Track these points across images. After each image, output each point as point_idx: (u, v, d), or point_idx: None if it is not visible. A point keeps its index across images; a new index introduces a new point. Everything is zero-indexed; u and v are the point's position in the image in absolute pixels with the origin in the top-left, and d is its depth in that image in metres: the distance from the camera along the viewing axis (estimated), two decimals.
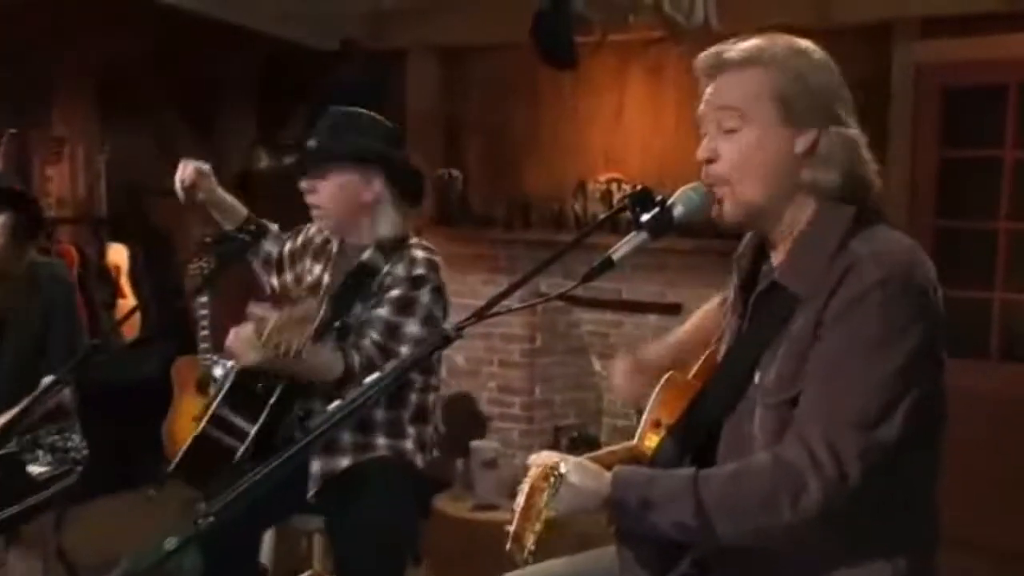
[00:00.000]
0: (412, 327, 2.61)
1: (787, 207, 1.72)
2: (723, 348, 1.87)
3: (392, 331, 2.60)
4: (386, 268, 2.68)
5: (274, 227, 3.02)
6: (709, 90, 1.75)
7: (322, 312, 2.69)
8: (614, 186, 5.35)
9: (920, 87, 4.60)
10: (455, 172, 5.81)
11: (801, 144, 1.69)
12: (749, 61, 1.70)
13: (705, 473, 1.64)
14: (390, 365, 2.49)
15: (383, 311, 2.63)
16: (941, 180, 4.64)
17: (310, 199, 2.73)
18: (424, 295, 2.64)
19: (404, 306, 2.63)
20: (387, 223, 2.71)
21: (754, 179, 1.70)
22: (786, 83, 1.68)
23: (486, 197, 5.83)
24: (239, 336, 2.45)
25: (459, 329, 1.67)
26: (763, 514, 1.60)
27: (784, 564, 1.68)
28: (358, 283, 2.69)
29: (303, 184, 2.72)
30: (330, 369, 2.53)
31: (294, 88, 5.90)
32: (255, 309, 2.36)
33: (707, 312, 2.13)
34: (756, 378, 1.71)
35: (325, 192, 2.71)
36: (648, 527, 1.64)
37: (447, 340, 1.68)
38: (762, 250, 1.82)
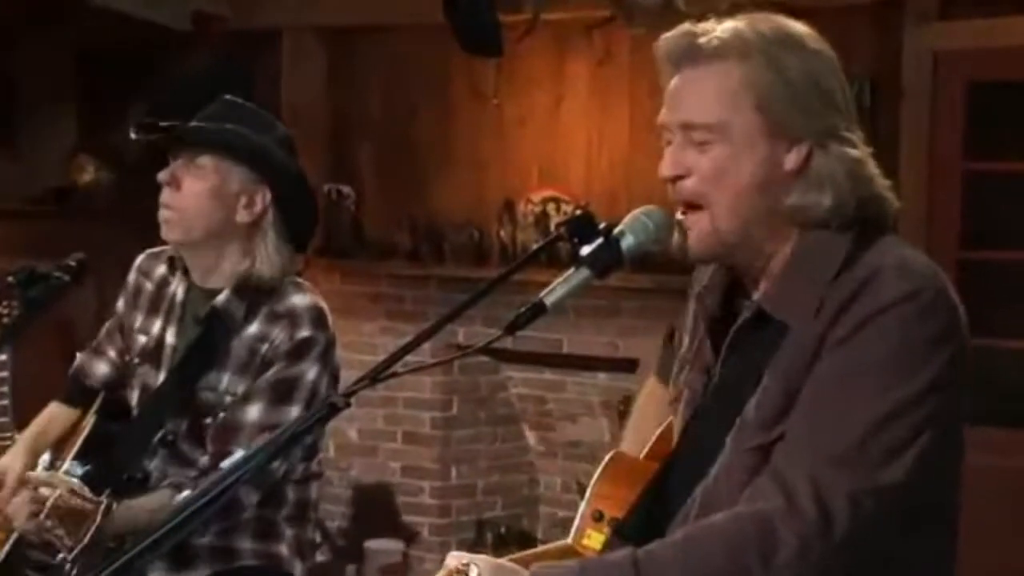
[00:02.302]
0: (293, 416, 2.57)
1: (766, 238, 1.73)
2: (683, 412, 1.86)
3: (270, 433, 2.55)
4: (255, 327, 2.62)
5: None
6: (674, 85, 1.75)
7: (161, 379, 2.66)
8: (551, 207, 5.37)
9: (939, 81, 4.69)
10: (345, 188, 5.79)
11: (791, 160, 1.70)
12: (723, 52, 1.70)
13: (647, 549, 1.63)
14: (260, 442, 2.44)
15: (255, 410, 2.57)
16: (966, 199, 4.71)
17: (167, 197, 2.64)
18: (309, 368, 2.60)
19: (284, 393, 2.58)
20: (266, 258, 2.65)
21: (731, 203, 1.71)
22: (772, 82, 1.69)
23: (385, 221, 5.81)
24: (12, 505, 2.48)
25: (349, 395, 1.65)
26: None
27: None
28: (209, 342, 2.63)
29: (162, 174, 2.64)
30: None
31: (127, 83, 5.83)
32: (33, 475, 2.44)
33: (651, 392, 2.13)
34: (738, 421, 1.71)
35: (191, 192, 2.63)
36: None
37: (334, 410, 1.66)
38: (734, 284, 1.83)
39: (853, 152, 1.71)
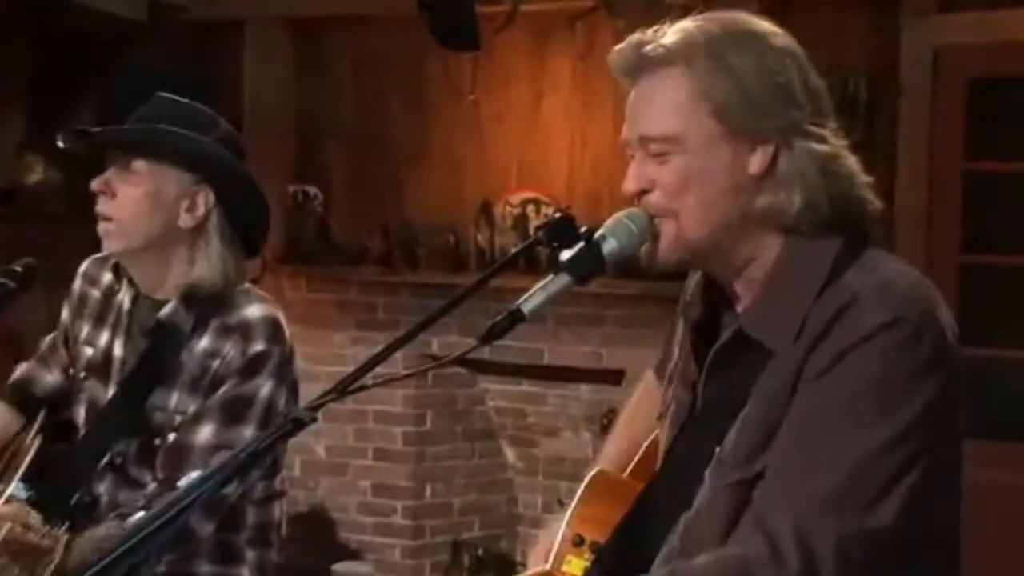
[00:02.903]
0: (247, 435, 2.56)
1: (739, 243, 1.75)
2: (668, 430, 1.87)
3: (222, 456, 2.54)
4: (206, 342, 2.61)
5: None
6: (630, 98, 1.79)
7: (110, 395, 2.64)
8: (531, 210, 5.39)
9: (939, 78, 4.71)
10: (311, 189, 5.78)
11: (756, 163, 1.72)
12: (670, 59, 1.73)
13: None
14: (217, 460, 2.44)
15: (206, 431, 2.55)
16: (967, 201, 4.74)
17: (103, 206, 2.62)
18: (263, 384, 2.58)
19: (236, 412, 2.56)
20: (208, 264, 2.63)
21: (698, 213, 1.72)
22: (724, 85, 1.70)
23: (355, 224, 5.81)
24: None
25: (315, 409, 1.65)
26: None
27: None
28: (157, 357, 2.62)
29: (95, 183, 2.63)
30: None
31: (79, 77, 5.81)
32: None
33: (641, 397, 2.14)
34: (716, 453, 1.72)
35: (127, 199, 2.61)
36: None
37: (299, 425, 1.65)
38: (716, 296, 1.84)
39: (822, 148, 1.72)
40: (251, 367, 2.58)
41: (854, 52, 4.59)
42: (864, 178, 1.76)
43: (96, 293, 2.79)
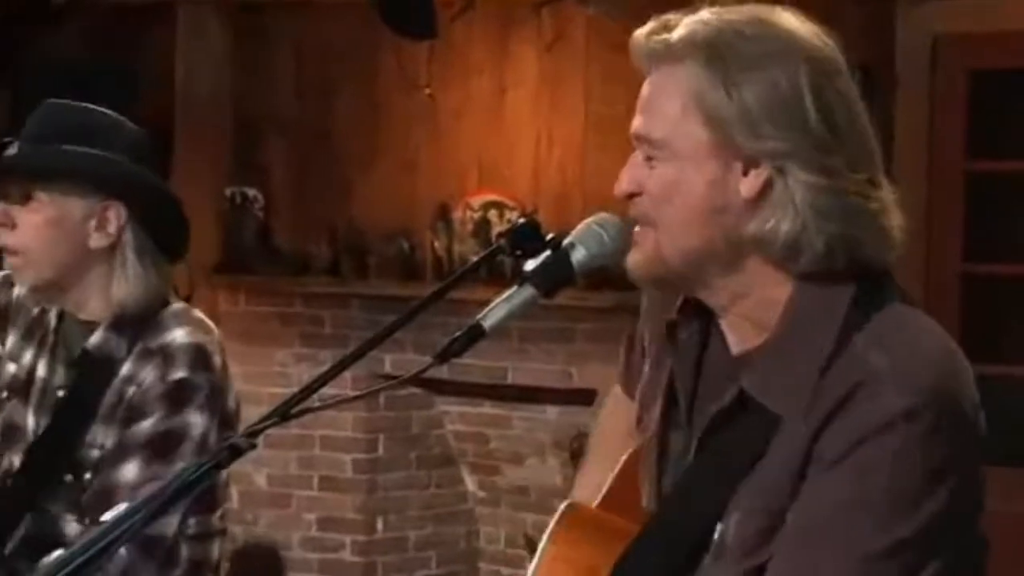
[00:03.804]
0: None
1: (726, 273, 1.73)
2: (650, 467, 1.86)
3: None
4: (126, 368, 2.61)
5: None
6: (644, 87, 1.75)
7: (30, 418, 2.64)
8: (493, 214, 5.40)
9: (938, 69, 4.74)
10: (251, 192, 5.77)
11: (748, 186, 1.69)
12: (678, 53, 1.68)
13: None
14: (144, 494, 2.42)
15: (132, 469, 2.55)
16: (970, 204, 4.76)
17: (4, 239, 2.63)
18: (193, 416, 2.58)
19: (163, 449, 2.56)
20: (127, 284, 2.65)
21: (678, 228, 1.70)
22: (718, 92, 1.65)
23: (299, 230, 5.80)
24: None
25: (254, 434, 1.64)
26: None
27: None
28: (88, 387, 2.61)
29: None
30: None
31: None
32: None
33: (615, 405, 2.14)
34: (716, 534, 1.71)
35: (29, 229, 2.61)
36: None
37: (236, 452, 1.64)
38: (705, 320, 1.83)
39: (822, 181, 1.66)
40: (175, 397, 2.58)
41: (846, 41, 4.59)
42: (890, 220, 1.71)
43: (31, 301, 2.79)
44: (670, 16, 1.73)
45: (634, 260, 1.74)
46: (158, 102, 5.37)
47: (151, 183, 2.71)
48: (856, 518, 1.60)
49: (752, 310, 1.73)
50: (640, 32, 1.74)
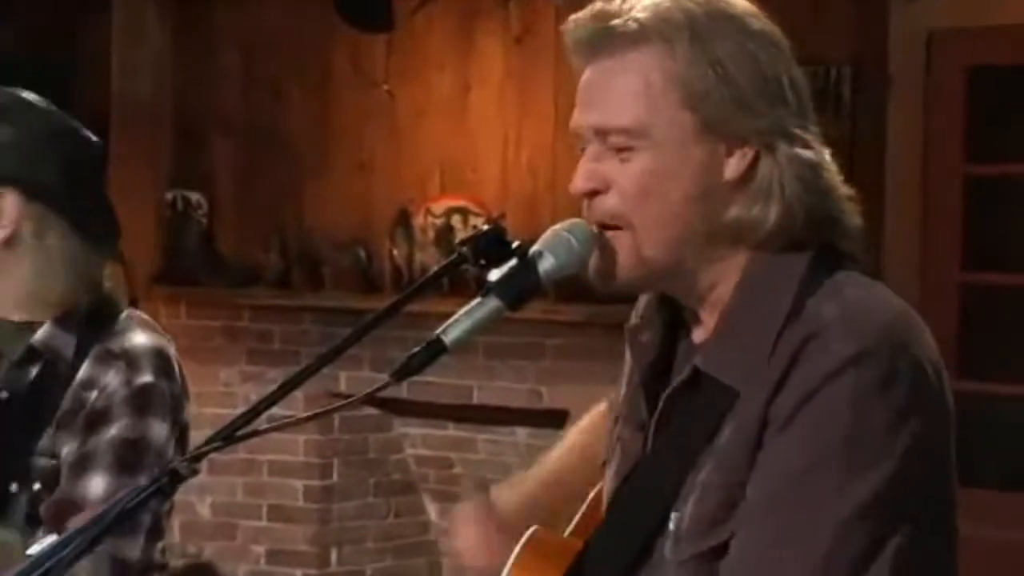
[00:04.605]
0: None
1: (703, 262, 1.75)
2: (612, 479, 1.88)
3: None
4: (84, 371, 2.61)
5: None
6: (585, 79, 1.77)
7: None
8: (456, 220, 5.41)
9: (933, 67, 4.76)
10: (194, 196, 5.77)
11: (733, 167, 1.73)
12: (642, 37, 1.72)
13: None
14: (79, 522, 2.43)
15: (99, 483, 2.55)
16: (968, 210, 4.78)
17: None
18: (155, 425, 2.59)
19: (129, 459, 2.57)
20: (38, 278, 2.65)
21: (659, 224, 1.73)
22: (703, 72, 1.70)
23: (246, 238, 5.81)
24: None
25: (196, 459, 1.65)
26: None
27: None
28: (38, 391, 2.62)
29: None
30: None
31: None
32: None
33: (594, 424, 2.15)
34: (671, 523, 1.73)
35: None
36: None
37: (176, 479, 1.65)
38: (671, 319, 1.85)
39: (807, 154, 1.72)
40: (140, 403, 2.58)
41: (836, 37, 4.63)
42: (844, 190, 1.76)
43: None
44: (611, 3, 1.75)
45: (607, 268, 1.76)
46: (93, 99, 5.38)
47: (55, 168, 2.70)
48: (818, 479, 1.62)
49: (722, 295, 1.76)
50: (579, 19, 1.77)
